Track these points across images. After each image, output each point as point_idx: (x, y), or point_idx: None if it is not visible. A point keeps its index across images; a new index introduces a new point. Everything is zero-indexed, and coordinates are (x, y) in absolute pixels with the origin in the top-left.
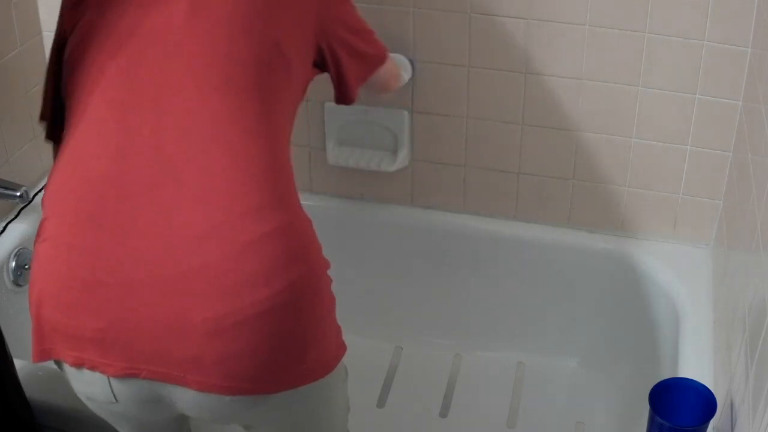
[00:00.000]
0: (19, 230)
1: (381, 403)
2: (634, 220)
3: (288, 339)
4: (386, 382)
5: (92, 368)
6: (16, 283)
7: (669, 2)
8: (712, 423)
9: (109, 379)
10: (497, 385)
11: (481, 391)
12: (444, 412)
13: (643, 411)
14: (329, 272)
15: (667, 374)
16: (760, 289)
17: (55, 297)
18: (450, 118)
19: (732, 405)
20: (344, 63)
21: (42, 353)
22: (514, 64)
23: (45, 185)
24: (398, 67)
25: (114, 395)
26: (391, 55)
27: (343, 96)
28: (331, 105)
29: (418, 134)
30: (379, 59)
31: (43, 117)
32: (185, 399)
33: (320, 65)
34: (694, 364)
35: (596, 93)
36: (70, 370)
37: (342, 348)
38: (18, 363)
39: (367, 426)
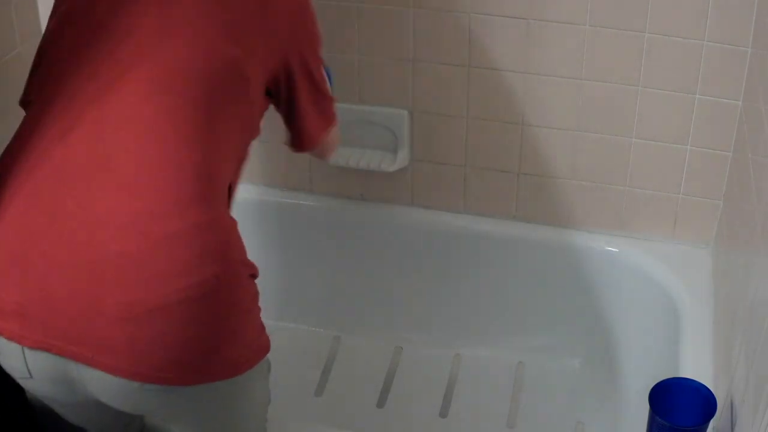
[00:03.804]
0: None
1: (381, 403)
2: (634, 220)
3: (199, 332)
4: (386, 382)
5: (9, 338)
6: None
7: (669, 2)
8: (712, 423)
9: (23, 350)
10: (497, 385)
11: (481, 391)
12: (444, 412)
13: (643, 411)
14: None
15: (667, 374)
16: (760, 289)
17: None
18: (450, 118)
19: (732, 405)
20: (303, 106)
21: None
22: (514, 64)
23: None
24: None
25: (28, 369)
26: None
27: (296, 140)
28: None
29: (418, 134)
30: (331, 119)
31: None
32: (95, 381)
33: (274, 95)
34: (694, 364)
35: (596, 93)
36: None
37: (266, 346)
38: None
39: (367, 426)
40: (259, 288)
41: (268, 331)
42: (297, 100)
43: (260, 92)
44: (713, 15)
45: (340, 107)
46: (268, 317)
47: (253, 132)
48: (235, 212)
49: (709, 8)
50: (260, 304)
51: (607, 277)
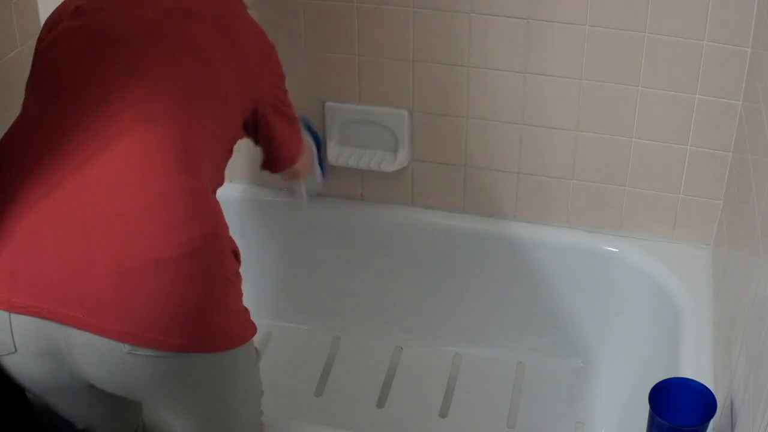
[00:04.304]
0: None
1: (381, 403)
2: (634, 220)
3: (187, 291)
4: (386, 382)
5: None
6: None
7: (669, 2)
8: (712, 423)
9: (9, 318)
10: (497, 385)
11: (481, 391)
12: (444, 412)
13: (643, 411)
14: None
15: (667, 374)
16: (760, 289)
17: None
18: (450, 118)
19: (732, 405)
20: (278, 133)
21: None
22: (514, 64)
23: None
24: (312, 163)
25: (13, 340)
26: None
27: (274, 163)
28: (331, 105)
29: (418, 134)
30: (300, 139)
31: None
32: (83, 348)
33: (252, 131)
34: (694, 364)
35: (596, 93)
36: None
37: (252, 329)
38: None
39: (367, 426)
40: (259, 288)
41: (267, 330)
42: (273, 132)
43: (236, 116)
44: (713, 15)
45: (341, 107)
46: (268, 317)
47: (228, 142)
48: (235, 213)
49: (709, 8)
50: (260, 303)
51: (607, 277)
